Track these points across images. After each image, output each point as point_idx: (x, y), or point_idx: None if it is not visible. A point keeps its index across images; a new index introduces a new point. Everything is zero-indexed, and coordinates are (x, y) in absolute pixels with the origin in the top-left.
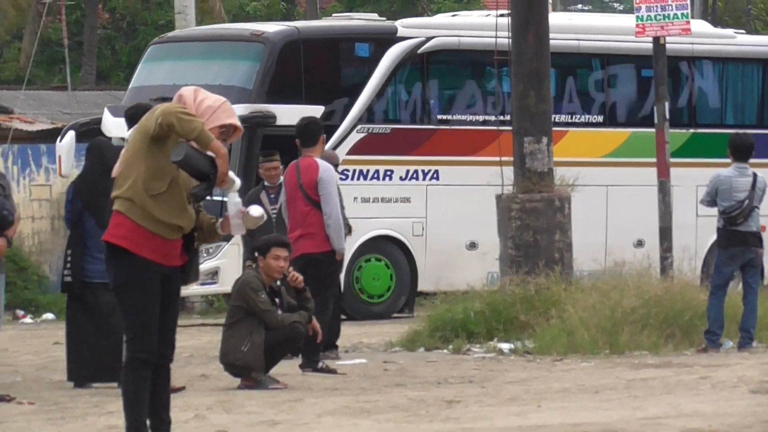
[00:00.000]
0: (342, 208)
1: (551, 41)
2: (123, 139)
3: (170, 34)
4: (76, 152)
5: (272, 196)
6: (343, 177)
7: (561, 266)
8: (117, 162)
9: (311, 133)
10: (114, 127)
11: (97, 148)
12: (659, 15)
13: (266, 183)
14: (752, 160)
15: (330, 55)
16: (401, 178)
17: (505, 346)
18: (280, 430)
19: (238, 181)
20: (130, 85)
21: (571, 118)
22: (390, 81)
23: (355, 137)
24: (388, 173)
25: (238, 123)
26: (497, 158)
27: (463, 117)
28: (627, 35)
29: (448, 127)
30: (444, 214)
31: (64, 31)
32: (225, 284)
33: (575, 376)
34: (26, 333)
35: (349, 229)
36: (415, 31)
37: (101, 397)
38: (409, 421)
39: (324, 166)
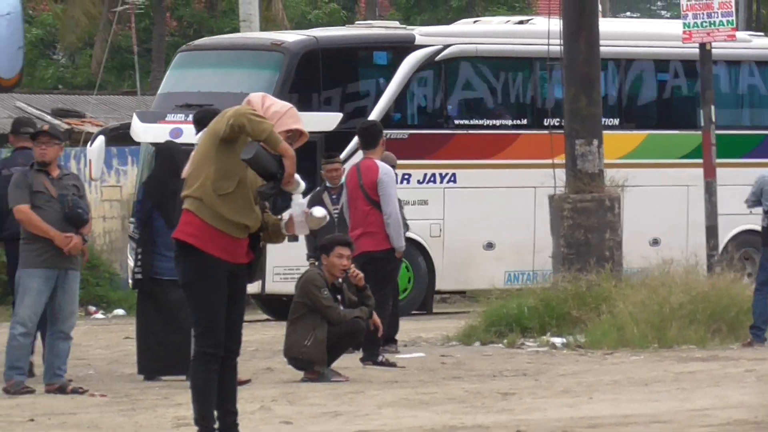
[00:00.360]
0: (401, 207)
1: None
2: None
3: (196, 42)
4: (106, 155)
5: (334, 196)
6: None
7: (611, 263)
8: (185, 163)
9: (372, 135)
10: (142, 132)
11: (166, 150)
12: (705, 22)
13: (328, 184)
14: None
15: (348, 63)
16: (419, 182)
17: (558, 341)
18: (341, 421)
19: (302, 184)
20: (158, 92)
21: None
22: (408, 87)
23: None
24: (406, 177)
25: (304, 128)
26: (513, 161)
27: (480, 121)
28: (649, 40)
29: (465, 131)
30: (461, 215)
31: (134, 39)
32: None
33: (625, 369)
34: (98, 328)
35: (407, 228)
36: (433, 39)
37: (170, 390)
38: (465, 413)
39: (384, 167)
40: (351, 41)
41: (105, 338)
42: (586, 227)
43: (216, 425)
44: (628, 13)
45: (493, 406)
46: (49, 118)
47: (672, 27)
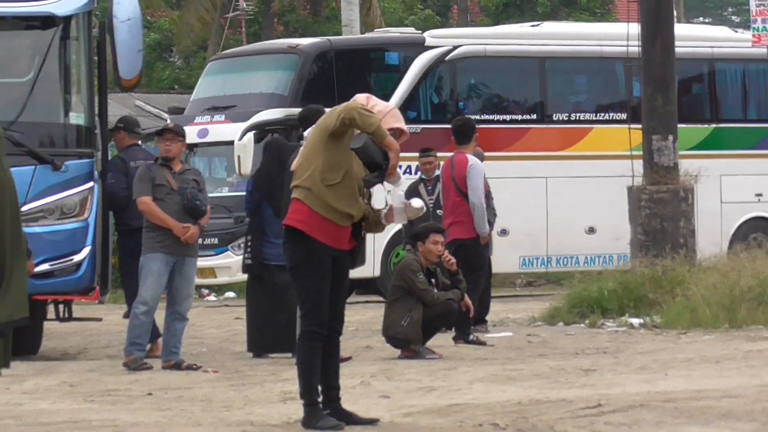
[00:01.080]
0: (490, 198)
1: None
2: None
3: (225, 51)
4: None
5: (429, 187)
6: None
7: (685, 250)
8: (292, 157)
9: (465, 132)
10: None
11: (274, 145)
12: None
13: (423, 176)
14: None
15: (361, 63)
16: None
17: (635, 321)
18: (435, 396)
19: (403, 177)
20: (191, 98)
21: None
22: (420, 85)
23: None
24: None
25: (405, 127)
26: (527, 153)
27: (490, 116)
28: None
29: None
30: None
31: (244, 42)
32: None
33: (698, 347)
34: (210, 310)
35: (494, 217)
36: (443, 40)
37: (277, 366)
38: (550, 388)
39: (473, 161)
40: (363, 43)
41: (217, 319)
42: (662, 216)
43: (320, 399)
44: (700, 18)
45: (575, 381)
46: (165, 115)
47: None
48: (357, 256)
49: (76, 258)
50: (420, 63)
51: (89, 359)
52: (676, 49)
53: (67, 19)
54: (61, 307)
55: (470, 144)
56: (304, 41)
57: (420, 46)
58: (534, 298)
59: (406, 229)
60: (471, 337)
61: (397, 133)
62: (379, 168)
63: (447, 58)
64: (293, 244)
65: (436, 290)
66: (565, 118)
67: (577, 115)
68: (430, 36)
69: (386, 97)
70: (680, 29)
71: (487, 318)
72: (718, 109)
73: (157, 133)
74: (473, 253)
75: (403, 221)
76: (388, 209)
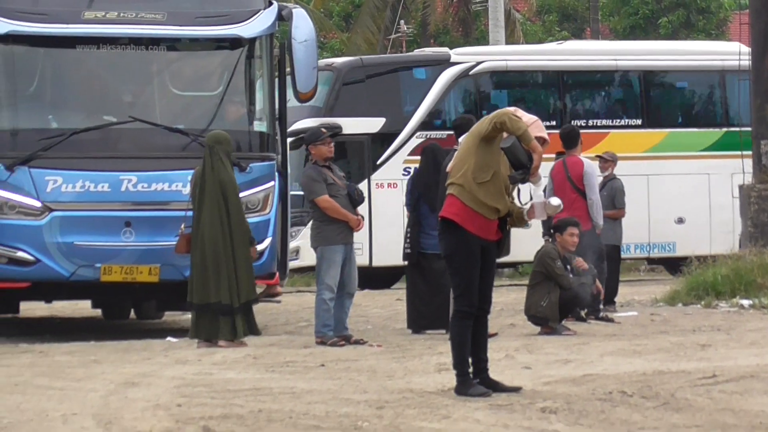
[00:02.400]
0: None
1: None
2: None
3: None
4: None
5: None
6: (405, 173)
7: None
8: (447, 159)
9: (572, 138)
10: None
11: (430, 150)
12: None
13: None
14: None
15: (390, 78)
16: None
17: (746, 303)
18: (571, 367)
19: (544, 178)
20: None
21: (612, 122)
22: (445, 97)
23: (414, 142)
24: None
25: (546, 136)
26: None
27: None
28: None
29: None
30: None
31: None
32: (304, 260)
33: None
34: (375, 292)
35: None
36: (467, 57)
37: (433, 342)
38: (671, 361)
39: (587, 162)
40: (391, 61)
41: (380, 300)
42: None
43: (470, 370)
44: None
45: (693, 355)
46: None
47: None
48: (503, 246)
49: (260, 247)
50: (445, 77)
51: (270, 335)
52: None
53: (252, 41)
54: None
55: (577, 147)
56: (339, 60)
57: (446, 63)
58: (656, 282)
59: (545, 223)
60: (601, 315)
61: (540, 140)
62: (524, 167)
63: (471, 73)
64: (447, 234)
65: (571, 275)
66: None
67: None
68: (455, 53)
69: (415, 106)
70: None
71: (616, 299)
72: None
73: (330, 137)
74: (590, 242)
75: (542, 217)
76: (530, 206)
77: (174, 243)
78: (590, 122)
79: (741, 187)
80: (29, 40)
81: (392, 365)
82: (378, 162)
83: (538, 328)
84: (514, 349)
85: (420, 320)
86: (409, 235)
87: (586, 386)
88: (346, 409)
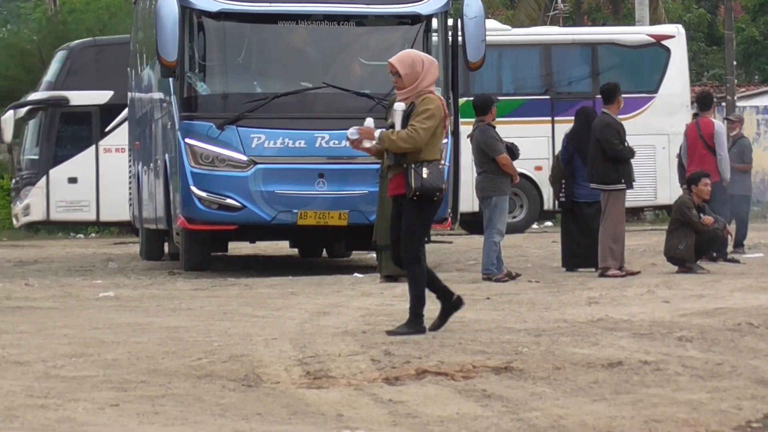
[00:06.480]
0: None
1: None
2: None
3: None
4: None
5: None
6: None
7: None
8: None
9: (708, 101)
10: None
11: (584, 112)
12: None
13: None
14: None
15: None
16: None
17: None
18: (705, 301)
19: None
20: None
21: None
22: None
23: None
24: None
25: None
26: None
27: None
28: None
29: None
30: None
31: None
32: (34, 215)
33: None
34: (534, 235)
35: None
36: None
37: (584, 278)
38: None
39: (718, 123)
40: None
41: (538, 242)
42: None
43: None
44: None
45: None
46: None
47: None
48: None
49: None
50: None
51: (442, 272)
52: None
53: (429, 17)
54: None
55: (710, 110)
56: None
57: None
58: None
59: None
60: (729, 256)
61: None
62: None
63: None
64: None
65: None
66: None
67: None
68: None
69: None
70: None
71: (745, 242)
72: None
73: (491, 105)
74: (717, 193)
75: (354, 136)
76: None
77: (360, 192)
78: None
79: None
80: (237, 17)
81: (548, 299)
82: (106, 130)
83: (675, 268)
84: (655, 285)
85: (573, 259)
86: (563, 185)
87: (717, 318)
88: (508, 336)
